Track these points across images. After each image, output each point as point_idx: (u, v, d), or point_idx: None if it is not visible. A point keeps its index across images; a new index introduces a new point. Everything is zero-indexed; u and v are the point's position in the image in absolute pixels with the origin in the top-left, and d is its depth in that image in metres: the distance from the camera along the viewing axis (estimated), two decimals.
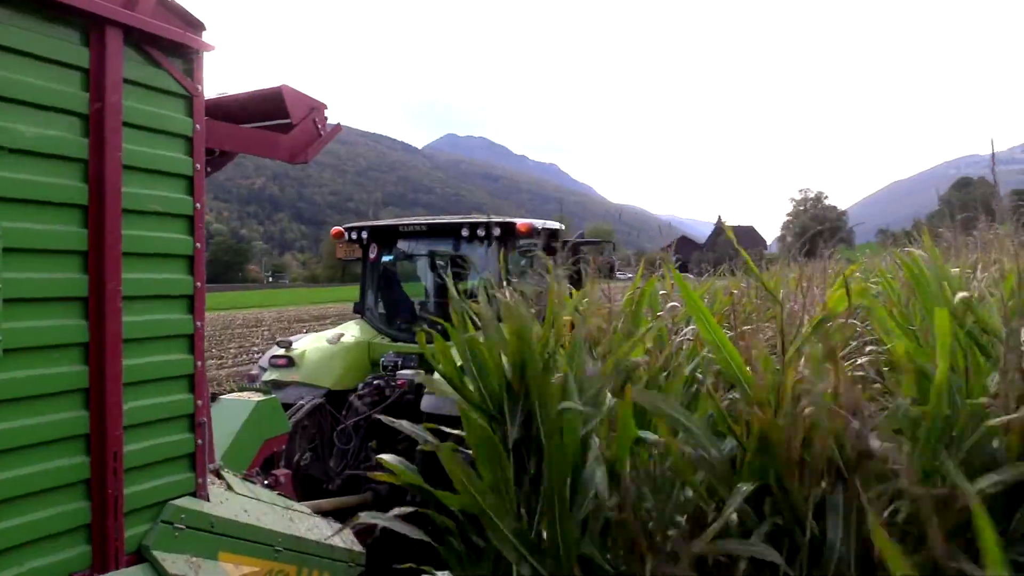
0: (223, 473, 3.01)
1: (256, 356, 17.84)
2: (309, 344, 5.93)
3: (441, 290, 6.56)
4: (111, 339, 2.36)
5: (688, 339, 3.81)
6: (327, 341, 6.06)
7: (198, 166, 2.71)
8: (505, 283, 3.18)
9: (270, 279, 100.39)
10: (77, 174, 2.31)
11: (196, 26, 2.70)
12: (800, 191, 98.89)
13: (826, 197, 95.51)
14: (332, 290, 57.89)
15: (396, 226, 6.53)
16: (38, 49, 2.19)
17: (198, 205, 2.72)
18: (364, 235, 6.48)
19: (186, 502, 2.65)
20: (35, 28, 2.18)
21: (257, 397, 4.03)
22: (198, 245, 2.72)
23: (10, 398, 2.10)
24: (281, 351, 5.77)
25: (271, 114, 3.40)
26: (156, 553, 2.48)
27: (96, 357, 2.33)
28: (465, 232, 6.04)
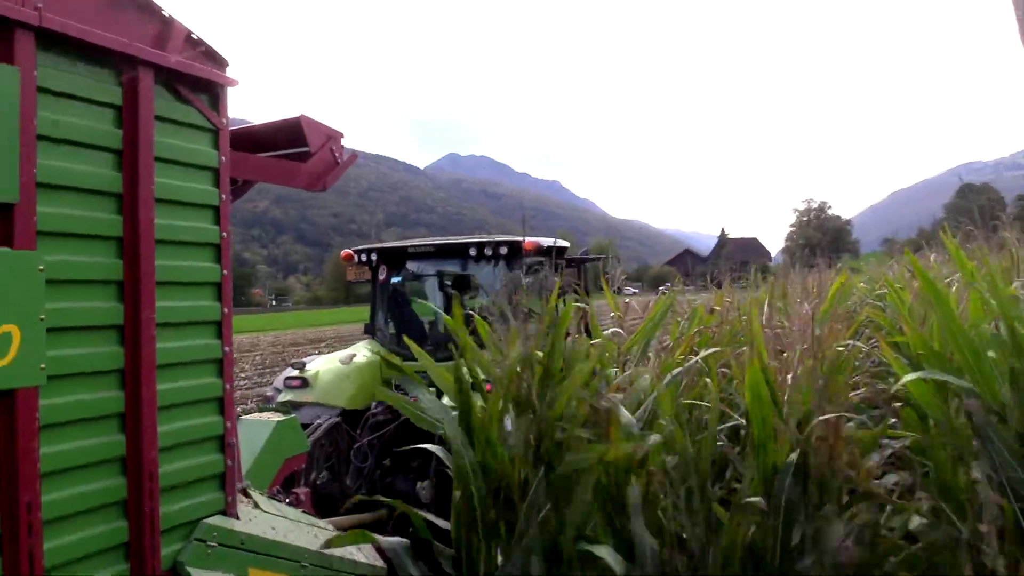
0: (250, 492, 3.11)
1: (243, 383, 17.80)
2: (322, 365, 6.03)
3: (450, 310, 6.67)
4: (146, 365, 2.47)
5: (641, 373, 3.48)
6: (340, 362, 6.17)
7: (224, 196, 2.84)
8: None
9: (273, 302, 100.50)
10: (112, 207, 2.43)
11: (220, 63, 2.83)
12: (804, 201, 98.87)
13: (830, 207, 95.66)
14: (335, 312, 57.95)
15: (405, 247, 6.65)
16: (76, 90, 2.32)
17: (224, 234, 2.84)
18: (374, 257, 6.61)
19: (217, 520, 2.75)
20: (73, 70, 2.31)
21: (277, 417, 4.13)
22: (225, 272, 2.84)
23: (54, 423, 2.20)
24: (295, 372, 5.87)
25: (290, 143, 3.53)
26: (191, 570, 2.57)
27: (132, 382, 2.44)
28: (472, 252, 6.16)
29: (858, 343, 3.86)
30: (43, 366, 2.15)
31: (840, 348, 3.36)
